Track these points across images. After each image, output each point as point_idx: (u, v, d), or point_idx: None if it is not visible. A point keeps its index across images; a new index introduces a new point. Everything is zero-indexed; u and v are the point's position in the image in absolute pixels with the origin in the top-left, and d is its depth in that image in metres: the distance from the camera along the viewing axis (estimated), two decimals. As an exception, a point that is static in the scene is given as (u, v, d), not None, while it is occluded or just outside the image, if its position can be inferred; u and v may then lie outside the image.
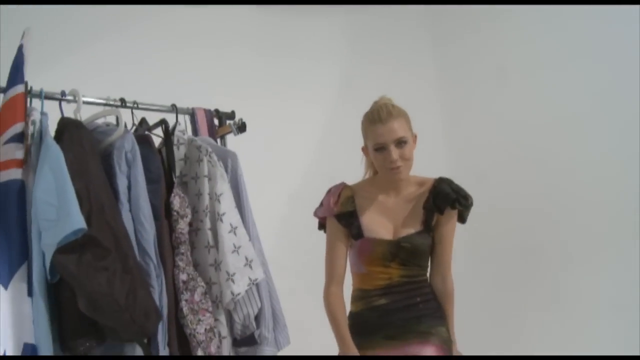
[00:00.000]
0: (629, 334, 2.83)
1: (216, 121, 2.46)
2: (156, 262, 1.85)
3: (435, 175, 2.06)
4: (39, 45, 1.98)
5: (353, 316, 2.02)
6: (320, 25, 3.62)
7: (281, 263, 2.96)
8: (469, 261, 3.45)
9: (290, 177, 3.20)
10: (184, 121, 2.35)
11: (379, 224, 1.99)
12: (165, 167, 2.04)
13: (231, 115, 2.48)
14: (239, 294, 1.99)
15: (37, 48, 1.96)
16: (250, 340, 2.09)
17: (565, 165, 3.16)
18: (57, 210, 1.63)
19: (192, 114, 2.38)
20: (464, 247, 3.32)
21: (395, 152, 1.89)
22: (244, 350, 2.12)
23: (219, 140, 2.43)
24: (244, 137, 2.66)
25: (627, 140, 2.89)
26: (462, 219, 2.03)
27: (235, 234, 2.03)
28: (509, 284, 3.38)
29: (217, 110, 2.46)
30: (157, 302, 1.82)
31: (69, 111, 2.01)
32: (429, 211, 1.98)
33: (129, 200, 1.86)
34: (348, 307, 2.05)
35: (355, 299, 2.06)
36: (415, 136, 1.98)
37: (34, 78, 1.92)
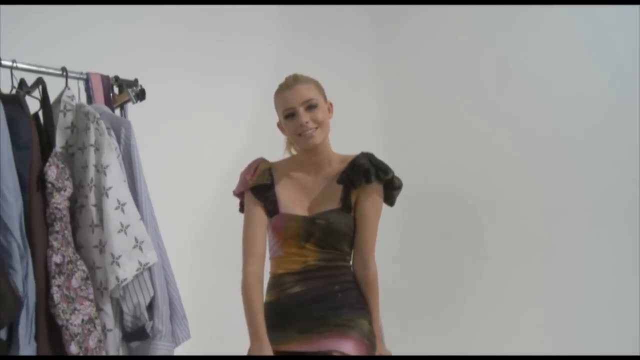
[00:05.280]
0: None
1: (116, 89, 2.19)
2: (21, 242, 1.59)
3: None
4: None
5: (267, 306, 1.83)
6: (254, 7, 3.40)
7: (208, 252, 2.78)
8: (403, 248, 3.32)
9: (219, 161, 2.96)
10: (77, 88, 2.08)
11: (295, 201, 1.86)
12: (43, 133, 1.77)
13: (133, 83, 2.21)
14: (124, 280, 1.74)
15: None
16: (141, 333, 1.84)
17: (501, 146, 3.07)
18: None
19: (86, 79, 2.11)
20: (397, 232, 3.20)
21: (304, 115, 1.80)
22: (135, 346, 1.87)
23: (117, 110, 2.16)
24: (167, 118, 2.42)
25: (578, 115, 2.81)
26: (388, 200, 1.89)
27: (122, 211, 1.78)
28: (445, 272, 3.24)
29: (116, 77, 2.20)
30: (21, 288, 1.55)
31: None
32: (345, 187, 1.84)
33: (-11, 169, 1.58)
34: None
35: (270, 286, 1.88)
36: (330, 104, 1.89)
37: None
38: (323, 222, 1.80)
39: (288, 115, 1.82)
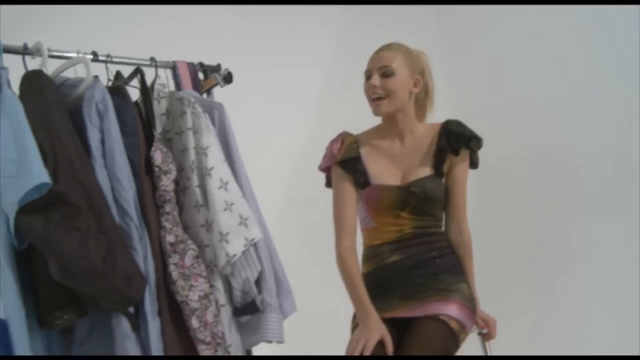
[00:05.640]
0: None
1: (201, 75, 2.25)
2: (138, 223, 1.66)
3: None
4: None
5: (364, 277, 1.84)
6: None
7: (285, 226, 2.83)
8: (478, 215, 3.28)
9: (291, 137, 3.01)
10: (165, 77, 2.14)
11: (386, 171, 1.85)
12: (143, 119, 1.83)
13: (217, 68, 2.27)
14: (234, 256, 1.79)
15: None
16: (251, 307, 1.88)
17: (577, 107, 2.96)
18: (17, 166, 1.43)
19: (173, 67, 2.17)
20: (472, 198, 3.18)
21: (376, 79, 1.80)
22: (245, 320, 1.92)
23: (205, 95, 2.22)
24: (238, 103, 2.45)
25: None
26: (473, 163, 1.88)
27: (226, 189, 1.82)
28: (520, 239, 3.16)
29: (201, 64, 2.26)
30: (142, 267, 1.62)
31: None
32: (441, 153, 1.84)
33: (103, 156, 1.66)
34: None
35: (365, 258, 1.89)
36: (418, 80, 1.86)
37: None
38: (418, 190, 1.80)
39: (366, 77, 1.84)
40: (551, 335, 2.97)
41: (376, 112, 1.84)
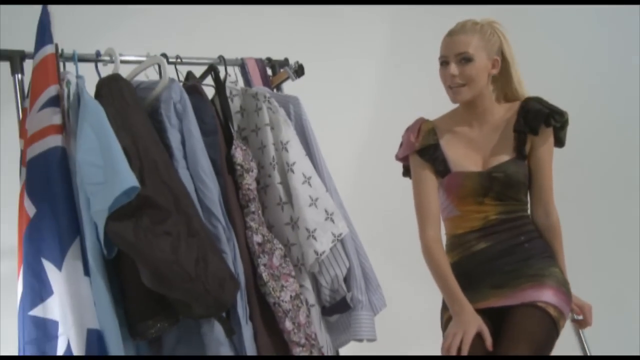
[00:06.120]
0: None
1: (269, 71, 2.20)
2: (225, 224, 1.60)
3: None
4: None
5: (452, 267, 1.75)
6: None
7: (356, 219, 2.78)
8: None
9: (356, 129, 2.94)
10: (234, 74, 2.10)
11: (466, 157, 1.78)
12: (220, 117, 1.78)
13: (284, 63, 2.21)
14: (323, 253, 1.72)
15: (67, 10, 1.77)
16: (342, 306, 1.81)
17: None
18: (103, 171, 1.39)
19: (242, 64, 2.13)
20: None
21: (454, 68, 1.71)
22: (334, 319, 1.85)
23: (274, 90, 2.16)
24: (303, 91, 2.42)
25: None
26: (559, 141, 1.77)
27: (309, 184, 1.76)
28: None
29: (269, 59, 2.21)
30: (232, 269, 1.56)
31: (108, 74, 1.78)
32: (520, 134, 1.75)
33: (185, 157, 1.61)
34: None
35: (450, 247, 1.82)
36: (497, 60, 1.76)
37: (67, 43, 1.74)
38: (501, 175, 1.72)
39: (442, 63, 1.75)
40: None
41: (455, 100, 1.76)
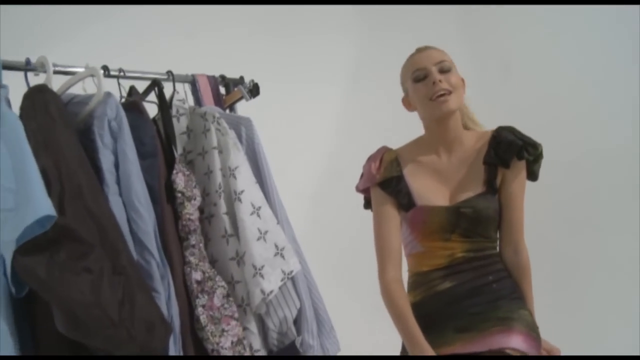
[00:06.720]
0: None
1: (222, 90, 2.04)
2: (159, 259, 1.42)
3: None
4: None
5: (413, 308, 1.64)
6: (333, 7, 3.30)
7: (312, 253, 2.65)
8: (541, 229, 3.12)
9: (314, 157, 2.83)
10: (184, 92, 1.93)
11: (432, 190, 1.68)
12: (162, 138, 1.61)
13: (239, 81, 2.06)
14: (271, 292, 1.56)
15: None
16: (290, 350, 1.65)
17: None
18: (14, 196, 1.20)
19: (192, 81, 1.96)
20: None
21: (437, 75, 1.61)
22: (283, 365, 1.68)
23: (227, 111, 2.01)
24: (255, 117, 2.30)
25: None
26: (532, 174, 1.68)
27: (258, 215, 1.60)
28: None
29: (222, 76, 2.06)
30: (165, 312, 1.38)
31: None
32: (491, 167, 1.65)
33: (118, 182, 1.43)
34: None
35: (412, 286, 1.71)
36: (463, 80, 1.69)
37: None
38: (469, 211, 1.62)
39: (418, 78, 1.63)
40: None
41: (441, 110, 1.62)
